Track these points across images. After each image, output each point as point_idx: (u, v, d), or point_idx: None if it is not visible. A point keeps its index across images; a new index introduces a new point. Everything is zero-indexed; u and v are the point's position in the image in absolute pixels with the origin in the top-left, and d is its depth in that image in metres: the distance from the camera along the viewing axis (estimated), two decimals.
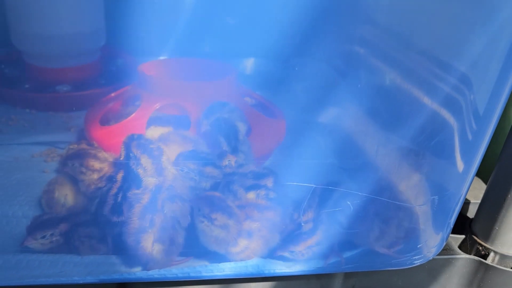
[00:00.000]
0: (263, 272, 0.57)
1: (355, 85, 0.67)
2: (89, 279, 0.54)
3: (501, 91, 0.51)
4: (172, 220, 0.55)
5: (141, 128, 0.65)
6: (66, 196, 0.59)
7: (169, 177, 0.57)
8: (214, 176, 0.59)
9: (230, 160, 0.60)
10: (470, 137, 0.54)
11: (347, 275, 0.62)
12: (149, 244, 0.53)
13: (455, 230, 0.65)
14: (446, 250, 0.64)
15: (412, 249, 0.60)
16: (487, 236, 0.64)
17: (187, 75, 0.74)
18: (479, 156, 0.55)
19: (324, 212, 0.58)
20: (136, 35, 0.71)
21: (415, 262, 0.60)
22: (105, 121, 0.70)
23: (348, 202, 0.57)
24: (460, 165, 0.57)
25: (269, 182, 0.60)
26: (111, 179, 0.57)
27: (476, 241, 0.65)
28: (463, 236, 0.67)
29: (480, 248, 0.64)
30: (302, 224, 0.58)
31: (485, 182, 0.77)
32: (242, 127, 0.65)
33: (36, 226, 0.55)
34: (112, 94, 0.74)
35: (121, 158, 0.57)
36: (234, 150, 0.62)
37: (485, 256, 0.64)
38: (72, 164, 0.59)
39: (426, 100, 0.58)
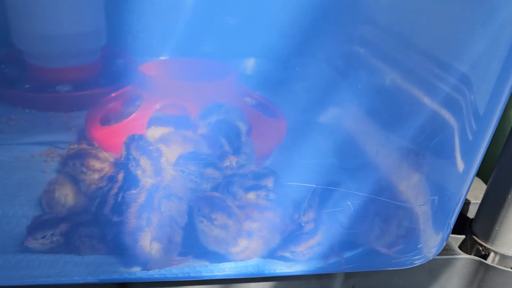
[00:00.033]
0: (263, 272, 0.57)
1: (355, 85, 0.67)
2: (90, 279, 0.54)
3: (501, 91, 0.51)
4: (172, 219, 0.55)
5: (142, 128, 0.65)
6: (67, 196, 0.59)
7: (168, 177, 0.57)
8: (215, 177, 0.59)
9: (231, 161, 0.60)
10: (470, 137, 0.54)
11: (347, 275, 0.62)
12: (149, 243, 0.53)
13: (455, 230, 0.65)
14: (446, 250, 0.64)
15: (412, 249, 0.60)
16: (487, 236, 0.64)
17: (188, 75, 0.74)
18: (479, 157, 0.55)
19: (324, 212, 0.58)
20: (137, 35, 0.71)
21: (415, 262, 0.60)
22: (105, 121, 0.70)
23: (349, 202, 0.57)
24: (460, 165, 0.57)
25: (269, 182, 0.60)
26: (111, 179, 0.57)
27: (476, 241, 0.65)
28: (463, 236, 0.67)
29: (480, 248, 0.64)
30: (303, 224, 0.58)
31: (485, 183, 0.77)
32: (243, 128, 0.65)
33: (37, 226, 0.55)
34: (113, 94, 0.74)
35: (122, 159, 0.57)
36: (236, 151, 0.62)
37: (485, 256, 0.64)
38: (72, 164, 0.59)
39: (426, 100, 0.58)
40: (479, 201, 0.66)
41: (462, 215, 0.72)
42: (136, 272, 0.55)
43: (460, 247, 0.66)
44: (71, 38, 0.79)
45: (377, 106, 0.65)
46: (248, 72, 0.80)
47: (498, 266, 0.63)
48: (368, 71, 0.66)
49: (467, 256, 0.64)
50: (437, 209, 0.59)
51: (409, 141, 0.59)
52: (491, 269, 0.63)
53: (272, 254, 0.58)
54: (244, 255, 0.56)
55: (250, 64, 0.81)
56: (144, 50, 0.76)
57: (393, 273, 0.63)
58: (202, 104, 0.67)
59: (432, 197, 0.59)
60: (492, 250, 0.63)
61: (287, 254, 0.57)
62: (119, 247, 0.54)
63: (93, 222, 0.57)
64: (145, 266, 0.55)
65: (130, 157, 0.56)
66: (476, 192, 0.74)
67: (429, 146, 0.58)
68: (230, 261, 0.57)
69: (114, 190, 0.55)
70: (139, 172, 0.55)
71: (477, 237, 0.65)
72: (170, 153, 0.60)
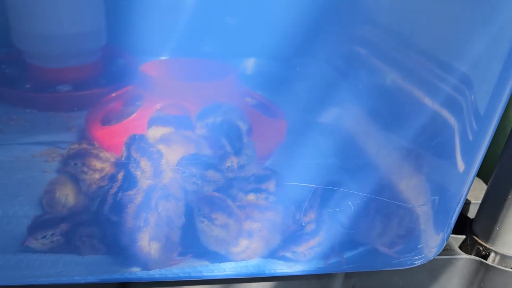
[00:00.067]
0: (263, 272, 0.58)
1: (356, 86, 0.67)
2: (90, 279, 0.54)
3: (502, 92, 0.51)
4: (172, 220, 0.55)
5: (142, 128, 0.65)
6: (67, 196, 0.59)
7: (168, 178, 0.57)
8: (216, 180, 0.59)
9: (233, 162, 0.60)
10: (471, 137, 0.54)
11: (348, 275, 0.62)
12: (149, 243, 0.53)
13: (455, 231, 0.65)
14: (447, 250, 0.65)
15: (413, 249, 0.60)
16: (487, 237, 0.64)
17: (188, 75, 0.74)
18: (479, 157, 0.55)
19: (325, 212, 0.58)
20: (137, 35, 0.71)
21: (415, 262, 0.60)
22: (106, 121, 0.70)
23: (349, 202, 0.57)
24: (460, 165, 0.57)
25: (270, 183, 0.60)
26: (112, 179, 0.57)
27: (476, 241, 0.65)
28: (463, 237, 0.67)
29: (481, 248, 0.64)
30: (303, 224, 0.58)
31: (486, 183, 0.77)
32: (244, 128, 0.65)
33: (37, 226, 0.55)
34: (113, 94, 0.74)
35: (123, 159, 0.57)
36: (237, 152, 0.62)
37: (485, 257, 0.64)
38: (73, 164, 0.59)
39: (427, 100, 0.58)
40: (480, 201, 0.66)
41: (463, 215, 0.72)
42: (137, 272, 0.55)
43: (460, 247, 0.66)
44: (71, 38, 0.79)
45: (378, 106, 0.65)
46: (248, 72, 0.80)
47: (499, 266, 0.63)
48: (368, 71, 0.66)
49: (468, 256, 0.64)
50: (437, 209, 0.59)
51: (409, 141, 0.59)
52: (491, 269, 0.63)
53: (273, 254, 0.58)
54: (245, 255, 0.56)
55: (250, 64, 0.81)
56: (144, 50, 0.76)
57: (394, 273, 0.63)
58: (202, 104, 0.67)
59: (433, 197, 0.59)
60: (492, 250, 0.63)
61: (288, 254, 0.57)
62: (119, 247, 0.54)
63: (94, 222, 0.57)
64: (146, 266, 0.55)
65: (131, 158, 0.56)
66: (477, 192, 0.74)
67: (429, 146, 0.58)
68: (231, 261, 0.57)
69: (115, 190, 0.55)
70: (139, 173, 0.55)
71: (477, 237, 0.65)
72: (171, 153, 0.60)
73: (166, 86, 0.70)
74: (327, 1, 0.68)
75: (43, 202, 0.60)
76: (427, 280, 0.64)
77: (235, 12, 0.75)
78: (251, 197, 0.59)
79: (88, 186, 0.59)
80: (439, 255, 0.62)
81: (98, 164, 0.59)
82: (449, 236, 0.61)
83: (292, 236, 0.57)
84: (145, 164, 0.55)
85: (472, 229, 0.66)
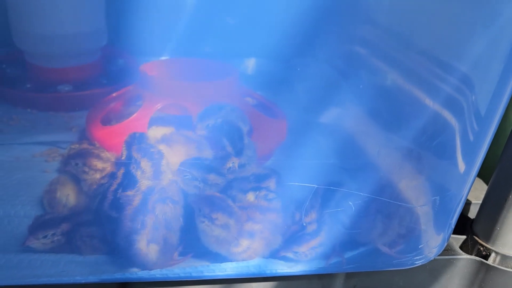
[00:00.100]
0: (264, 272, 0.58)
1: (356, 86, 0.67)
2: (91, 279, 0.54)
3: (503, 92, 0.51)
4: (173, 220, 0.55)
5: (143, 128, 0.65)
6: (68, 196, 0.59)
7: (168, 180, 0.57)
8: (218, 182, 0.59)
9: (234, 163, 0.60)
10: (471, 138, 0.54)
11: (349, 275, 0.62)
12: (150, 244, 0.53)
13: (456, 231, 0.65)
14: (447, 250, 0.65)
15: (414, 249, 0.60)
16: (488, 237, 0.64)
17: (189, 75, 0.74)
18: (480, 157, 0.55)
19: (326, 213, 0.58)
20: (138, 35, 0.71)
21: (416, 262, 0.60)
22: (106, 121, 0.70)
23: (350, 203, 0.57)
24: (461, 165, 0.57)
25: (271, 183, 0.60)
26: (112, 178, 0.57)
27: (477, 241, 0.65)
28: (464, 237, 0.67)
29: (481, 248, 0.64)
30: (304, 225, 0.58)
31: (486, 183, 0.77)
32: (244, 129, 0.65)
33: (38, 226, 0.55)
34: (114, 94, 0.74)
35: (123, 158, 0.57)
36: (238, 153, 0.62)
37: (486, 257, 0.64)
38: (74, 164, 0.59)
39: (428, 101, 0.58)
40: (480, 202, 0.66)
41: (463, 215, 0.72)
42: (138, 272, 0.55)
43: (461, 247, 0.66)
44: (72, 38, 0.79)
45: (379, 107, 0.65)
46: (249, 72, 0.80)
47: (499, 267, 0.63)
48: (369, 71, 0.66)
49: (468, 256, 0.64)
50: (438, 209, 0.59)
51: (410, 141, 0.59)
52: (492, 270, 0.63)
53: (274, 254, 0.58)
54: (246, 255, 0.56)
55: (251, 64, 0.81)
56: (145, 50, 0.76)
57: (394, 273, 0.63)
58: (203, 104, 0.67)
59: (433, 197, 0.59)
60: (493, 251, 0.63)
61: (289, 255, 0.57)
62: (121, 247, 0.54)
63: (95, 222, 0.57)
64: (147, 266, 0.55)
65: (132, 157, 0.56)
66: (477, 192, 0.74)
67: (430, 146, 0.58)
68: (232, 261, 0.57)
69: (115, 190, 0.55)
70: (139, 173, 0.55)
71: (478, 237, 0.65)
72: (172, 153, 0.60)
73: (166, 86, 0.70)
74: (327, 1, 0.68)
75: (44, 202, 0.60)
76: (427, 280, 0.64)
77: (235, 12, 0.76)
78: (252, 197, 0.59)
79: (89, 186, 0.59)
80: (439, 255, 0.62)
81: (99, 164, 0.59)
82: (450, 236, 0.61)
83: (293, 236, 0.57)
84: (145, 164, 0.56)
85: (472, 229, 0.66)
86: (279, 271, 0.58)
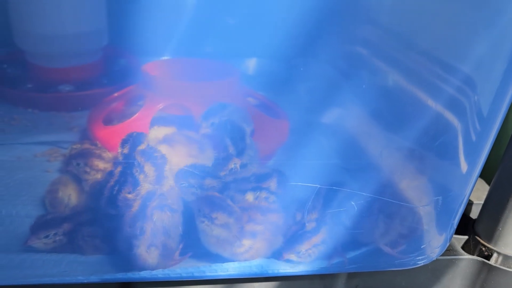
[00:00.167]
0: (266, 272, 0.57)
1: (358, 86, 0.67)
2: (93, 279, 0.54)
3: (505, 92, 0.51)
4: (175, 221, 0.55)
5: (145, 128, 0.65)
6: (70, 196, 0.59)
7: (172, 182, 0.57)
8: (218, 183, 0.59)
9: (236, 164, 0.60)
10: (474, 138, 0.54)
11: (351, 275, 0.62)
12: (151, 245, 0.53)
13: (458, 231, 0.65)
14: (449, 250, 0.65)
15: (416, 249, 0.60)
16: (490, 237, 0.64)
17: (190, 75, 0.74)
18: (483, 157, 0.55)
19: (328, 213, 0.58)
20: (140, 34, 0.71)
21: (418, 262, 0.60)
22: (108, 121, 0.70)
23: (352, 203, 0.57)
24: (464, 166, 0.57)
25: (272, 183, 0.60)
26: (114, 179, 0.57)
27: (479, 241, 0.65)
28: (466, 237, 0.67)
29: (483, 249, 0.64)
30: (306, 225, 0.58)
31: (488, 183, 0.77)
32: (247, 129, 0.65)
33: (40, 226, 0.55)
34: (115, 94, 0.74)
35: (120, 157, 0.57)
36: (240, 153, 0.62)
37: (488, 257, 0.64)
38: (76, 164, 0.59)
39: (430, 101, 0.58)
40: (482, 202, 0.66)
41: (465, 215, 0.72)
42: (140, 272, 0.54)
43: (463, 247, 0.66)
44: (73, 38, 0.79)
45: (381, 107, 0.65)
46: (250, 72, 0.80)
47: (501, 267, 0.63)
48: (372, 72, 0.66)
49: (470, 256, 0.64)
50: (440, 209, 0.59)
51: (413, 142, 0.59)
52: (494, 270, 0.63)
53: (277, 256, 0.57)
54: (248, 255, 0.56)
55: (252, 64, 0.81)
56: (147, 50, 0.76)
57: (396, 273, 0.63)
58: (205, 104, 0.67)
59: (436, 197, 0.59)
60: (495, 251, 0.63)
61: (292, 256, 0.57)
62: (122, 247, 0.54)
63: (96, 222, 0.57)
64: (149, 266, 0.55)
65: (132, 157, 0.56)
66: (479, 192, 0.74)
67: (432, 147, 0.58)
68: (234, 261, 0.57)
69: (117, 190, 0.55)
70: (141, 176, 0.55)
71: (480, 237, 0.65)
72: (174, 154, 0.60)
73: (168, 86, 0.70)
74: (330, 2, 0.68)
75: (46, 201, 0.60)
76: (430, 281, 0.64)
77: (237, 12, 0.75)
78: (254, 197, 0.59)
79: (90, 186, 0.59)
80: (442, 255, 0.62)
81: (100, 164, 0.59)
82: (452, 236, 0.61)
83: (295, 237, 0.57)
84: (147, 165, 0.56)
85: (474, 230, 0.66)
86: (281, 271, 0.58)
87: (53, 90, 0.79)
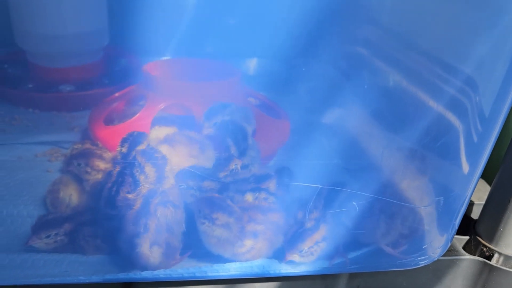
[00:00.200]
0: (268, 272, 0.57)
1: (360, 87, 0.67)
2: (95, 279, 0.54)
3: (507, 93, 0.51)
4: (177, 222, 0.55)
5: (146, 128, 0.65)
6: (71, 196, 0.59)
7: (172, 181, 0.57)
8: (219, 183, 0.59)
9: (237, 164, 0.60)
10: (475, 139, 0.54)
11: (352, 276, 0.62)
12: (152, 245, 0.53)
13: (459, 231, 0.65)
14: (451, 251, 0.65)
15: (417, 250, 0.60)
16: (491, 237, 0.64)
17: (192, 75, 0.74)
18: (484, 158, 0.55)
19: (329, 213, 0.58)
20: (141, 34, 0.71)
21: (420, 263, 0.60)
22: (109, 121, 0.70)
23: (354, 203, 0.57)
24: (465, 166, 0.57)
25: (272, 183, 0.60)
26: (115, 179, 0.57)
27: (480, 242, 0.65)
28: (467, 237, 0.67)
29: (485, 249, 0.64)
30: (308, 225, 0.58)
31: (489, 184, 0.77)
32: (249, 129, 0.65)
33: (41, 226, 0.55)
34: (117, 94, 0.74)
35: (118, 157, 0.57)
36: (242, 154, 0.62)
37: (489, 257, 0.64)
38: (77, 164, 0.59)
39: (432, 102, 0.58)
40: (483, 202, 0.66)
41: (466, 216, 0.72)
42: (142, 272, 0.54)
43: (464, 248, 0.66)
44: (74, 37, 0.79)
45: (383, 108, 0.65)
46: (252, 73, 0.80)
47: (502, 267, 0.63)
48: (373, 73, 0.66)
49: (472, 257, 0.64)
50: (442, 210, 0.59)
51: (414, 142, 0.59)
52: (495, 270, 0.63)
53: (279, 257, 0.57)
54: (250, 255, 0.56)
55: (253, 64, 0.81)
56: (148, 49, 0.76)
57: (398, 273, 0.63)
58: (206, 104, 0.67)
59: (437, 198, 0.59)
60: (496, 251, 0.63)
61: (295, 257, 0.57)
62: (124, 246, 0.54)
63: (98, 222, 0.56)
64: (150, 266, 0.55)
65: (136, 162, 0.56)
66: (480, 193, 0.74)
67: (434, 147, 0.58)
68: (235, 261, 0.57)
69: (118, 190, 0.55)
70: (142, 177, 0.55)
71: (481, 238, 0.65)
72: (175, 154, 0.60)
73: (169, 86, 0.70)
74: (331, 2, 0.68)
75: (47, 201, 0.60)
76: (431, 281, 0.64)
77: (238, 13, 0.76)
78: (255, 197, 0.59)
79: (91, 186, 0.59)
80: (443, 256, 0.62)
81: (101, 165, 0.59)
82: (453, 237, 0.61)
83: (297, 236, 0.57)
84: (148, 166, 0.56)
85: (475, 230, 0.66)
86: (282, 271, 0.58)
87: (54, 90, 0.79)
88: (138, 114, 0.67)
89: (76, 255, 0.56)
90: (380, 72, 0.65)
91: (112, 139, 0.65)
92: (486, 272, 0.63)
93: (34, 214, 0.58)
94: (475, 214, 0.71)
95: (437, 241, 0.60)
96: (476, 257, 0.64)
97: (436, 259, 0.61)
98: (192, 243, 0.56)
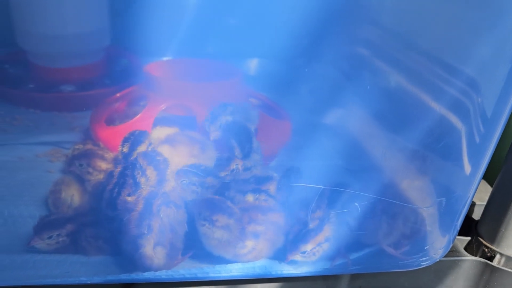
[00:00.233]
0: (270, 273, 0.57)
1: (361, 88, 0.67)
2: (96, 280, 0.54)
3: (509, 94, 0.51)
4: (178, 223, 0.55)
5: (147, 128, 0.65)
6: (73, 196, 0.59)
7: (173, 183, 0.57)
8: (219, 184, 0.59)
9: (238, 164, 0.60)
10: (477, 140, 0.54)
11: (354, 276, 0.62)
12: (153, 246, 0.53)
13: (460, 232, 0.65)
14: (452, 252, 0.65)
15: (419, 250, 0.60)
16: (493, 238, 0.64)
17: (193, 75, 0.74)
18: (486, 159, 0.55)
19: (332, 214, 0.58)
20: (142, 35, 0.71)
21: (421, 263, 0.60)
22: (110, 121, 0.70)
23: (356, 204, 0.57)
24: (467, 167, 0.57)
25: (273, 184, 0.60)
26: (117, 179, 0.57)
27: (482, 243, 0.65)
28: (469, 238, 0.67)
29: (486, 250, 0.64)
30: (310, 226, 0.57)
31: (491, 185, 0.77)
32: (253, 130, 0.65)
33: (43, 226, 0.55)
34: (118, 94, 0.73)
35: (120, 157, 0.57)
36: (246, 155, 0.62)
37: (491, 258, 0.64)
38: (78, 164, 0.59)
39: (434, 103, 0.58)
40: (485, 203, 0.66)
41: (468, 216, 0.72)
42: (144, 273, 0.54)
43: (465, 248, 0.66)
44: (75, 37, 0.79)
45: (385, 109, 0.65)
46: (253, 73, 0.80)
47: (504, 268, 0.63)
48: (375, 73, 0.66)
49: (473, 258, 0.64)
50: (444, 211, 0.59)
51: (416, 143, 0.59)
52: (497, 271, 0.63)
53: (281, 258, 0.57)
54: (251, 256, 0.56)
55: (255, 64, 0.81)
56: (149, 50, 0.76)
57: (400, 274, 0.63)
58: (207, 104, 0.66)
59: (439, 198, 0.59)
60: (498, 252, 0.63)
61: (297, 257, 0.57)
62: (126, 247, 0.54)
63: (100, 223, 0.56)
64: (152, 267, 0.55)
65: (137, 163, 0.56)
66: (482, 194, 0.74)
67: (436, 148, 0.58)
68: (237, 262, 0.56)
69: (120, 191, 0.55)
70: (143, 179, 0.55)
71: (482, 239, 0.65)
72: (176, 154, 0.60)
73: (170, 86, 0.70)
74: (333, 2, 0.68)
75: (49, 202, 0.60)
76: (433, 282, 0.64)
77: (240, 13, 0.75)
78: (256, 198, 0.59)
79: (93, 187, 0.59)
80: (445, 256, 0.62)
81: (103, 165, 0.59)
82: (455, 237, 0.61)
83: (299, 237, 0.57)
84: (150, 169, 0.56)
85: (477, 231, 0.66)
86: (284, 272, 0.58)
87: (55, 90, 0.79)
88: (139, 115, 0.67)
89: (78, 256, 0.56)
90: (381, 73, 0.65)
91: (114, 140, 0.65)
92: (487, 273, 0.63)
93: (36, 215, 0.58)
94: (477, 215, 0.71)
95: (439, 242, 0.60)
96: (477, 258, 0.64)
97: (438, 260, 0.61)
98: (194, 243, 0.56)
